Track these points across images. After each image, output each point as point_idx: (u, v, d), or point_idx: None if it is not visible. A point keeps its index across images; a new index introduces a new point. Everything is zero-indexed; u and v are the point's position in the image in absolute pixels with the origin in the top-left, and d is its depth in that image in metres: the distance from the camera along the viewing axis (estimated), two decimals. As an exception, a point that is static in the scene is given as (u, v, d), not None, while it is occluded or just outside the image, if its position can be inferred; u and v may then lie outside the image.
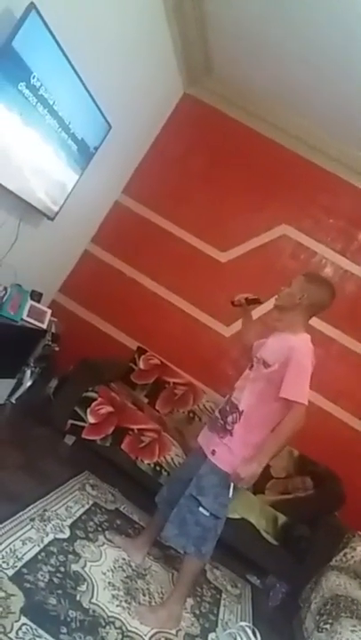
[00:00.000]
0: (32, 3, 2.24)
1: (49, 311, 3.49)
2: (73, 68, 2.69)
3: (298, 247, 4.21)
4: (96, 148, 3.36)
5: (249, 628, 2.40)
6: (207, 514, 2.22)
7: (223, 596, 2.74)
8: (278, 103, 4.08)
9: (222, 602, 2.67)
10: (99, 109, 3.12)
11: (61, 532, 2.37)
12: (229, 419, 2.27)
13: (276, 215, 4.24)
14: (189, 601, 2.46)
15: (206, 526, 2.24)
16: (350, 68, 3.13)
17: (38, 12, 2.28)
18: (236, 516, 3.00)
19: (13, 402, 3.46)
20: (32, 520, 2.31)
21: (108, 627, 1.96)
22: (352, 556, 3.01)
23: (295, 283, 2.34)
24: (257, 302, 2.54)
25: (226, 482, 2.21)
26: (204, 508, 2.22)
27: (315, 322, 3.65)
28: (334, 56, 3.13)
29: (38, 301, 3.45)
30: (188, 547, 2.25)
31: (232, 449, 2.21)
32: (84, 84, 2.85)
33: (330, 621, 2.34)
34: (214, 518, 2.24)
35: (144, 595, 2.30)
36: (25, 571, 1.96)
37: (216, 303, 4.21)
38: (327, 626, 2.33)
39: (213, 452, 2.26)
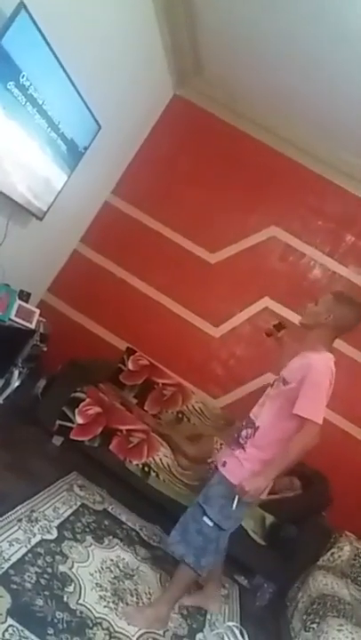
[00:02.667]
0: (21, 2, 2.22)
1: (37, 311, 3.47)
2: (62, 67, 2.68)
3: (287, 249, 4.23)
4: (85, 148, 3.35)
5: (236, 627, 2.42)
6: (211, 524, 2.21)
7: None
8: (268, 105, 4.10)
9: (210, 602, 2.67)
10: (88, 109, 3.11)
11: (49, 532, 2.36)
12: (243, 433, 2.28)
13: (266, 217, 4.26)
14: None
15: (209, 536, 2.22)
16: (339, 70, 3.15)
17: (28, 12, 2.27)
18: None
19: (1, 402, 3.43)
20: (19, 521, 2.30)
21: (95, 628, 1.96)
22: (339, 556, 3.04)
23: (322, 301, 2.27)
24: (282, 327, 2.62)
25: (232, 494, 2.19)
26: (208, 517, 2.21)
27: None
28: (323, 59, 3.15)
29: (26, 301, 3.43)
30: (188, 556, 2.22)
31: (242, 463, 2.21)
32: (73, 84, 2.84)
33: (317, 621, 2.35)
34: (218, 529, 2.22)
35: (132, 595, 2.30)
36: (12, 572, 1.95)
37: (205, 304, 4.22)
38: (314, 625, 2.34)
39: (224, 464, 2.27)
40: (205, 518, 2.21)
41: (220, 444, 3.45)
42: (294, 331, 2.54)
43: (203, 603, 2.51)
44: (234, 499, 2.18)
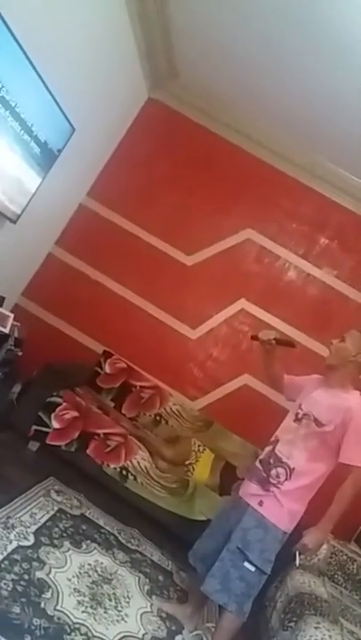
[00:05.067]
0: (-8, 3, 2.21)
1: (11, 315, 3.44)
2: (35, 69, 2.65)
3: (262, 251, 4.27)
4: (59, 151, 3.33)
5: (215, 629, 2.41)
6: (253, 569, 2.18)
7: (190, 597, 2.74)
8: (242, 109, 4.14)
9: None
10: (62, 112, 3.10)
11: (25, 539, 2.33)
12: (273, 472, 2.25)
13: (241, 220, 4.29)
14: (156, 603, 2.46)
15: (251, 582, 2.20)
16: (311, 74, 3.19)
17: (-1, 13, 2.25)
18: (202, 518, 3.02)
19: (-25, 408, 3.39)
20: (-5, 528, 2.28)
21: (73, 633, 1.95)
22: (316, 555, 3.06)
23: (350, 339, 2.27)
24: (290, 346, 2.43)
25: (273, 535, 2.19)
26: (250, 562, 2.17)
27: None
28: (295, 62, 3.19)
29: (0, 305, 3.40)
30: (230, 604, 2.18)
31: (282, 503, 2.20)
32: (46, 87, 2.82)
33: (294, 619, 2.37)
34: (260, 574, 2.20)
35: (110, 599, 2.29)
36: (-13, 580, 1.93)
37: (182, 306, 4.23)
38: (292, 624, 2.36)
39: (261, 504, 2.23)
40: (247, 564, 2.17)
41: (198, 445, 3.45)
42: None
43: (181, 618, 2.45)
44: (295, 555, 2.19)
